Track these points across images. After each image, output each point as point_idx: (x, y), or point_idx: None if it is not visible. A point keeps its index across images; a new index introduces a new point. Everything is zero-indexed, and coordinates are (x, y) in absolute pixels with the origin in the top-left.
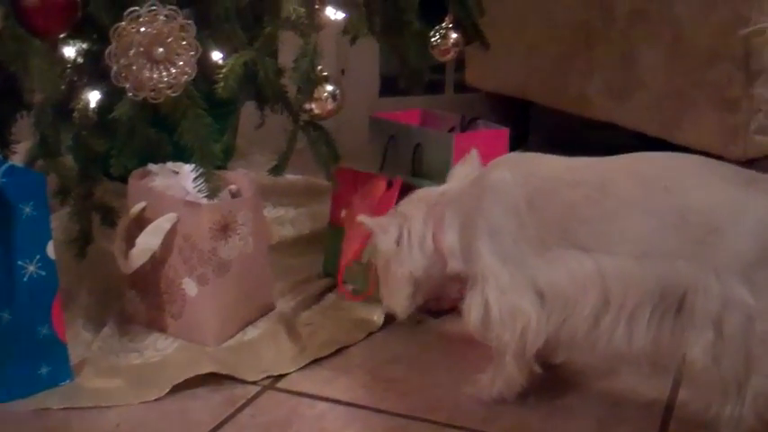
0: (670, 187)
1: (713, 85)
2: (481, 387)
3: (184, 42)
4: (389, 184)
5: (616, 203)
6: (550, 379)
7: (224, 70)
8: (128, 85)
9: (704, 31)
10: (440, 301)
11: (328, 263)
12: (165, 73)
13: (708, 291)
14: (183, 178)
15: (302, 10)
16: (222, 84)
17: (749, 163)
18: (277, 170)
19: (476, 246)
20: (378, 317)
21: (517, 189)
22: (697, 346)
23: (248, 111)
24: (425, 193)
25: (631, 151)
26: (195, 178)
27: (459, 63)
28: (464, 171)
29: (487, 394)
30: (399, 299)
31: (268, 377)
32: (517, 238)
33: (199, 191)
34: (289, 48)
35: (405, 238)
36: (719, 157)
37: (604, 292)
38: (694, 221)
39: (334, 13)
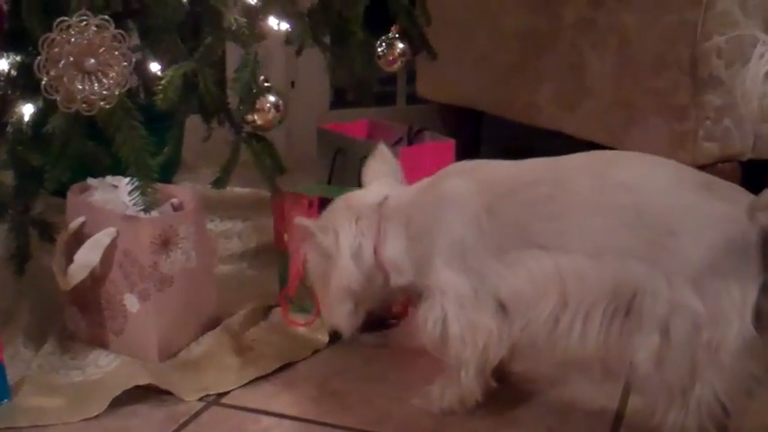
0: (627, 185)
1: (661, 92)
2: (431, 399)
3: (117, 53)
4: (310, 204)
5: (573, 200)
6: (499, 388)
7: (163, 82)
8: (59, 97)
9: (651, 39)
10: (384, 311)
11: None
12: (97, 84)
13: (657, 294)
14: (122, 192)
15: (243, 20)
16: (161, 96)
17: (698, 170)
18: (219, 183)
19: (431, 259)
20: (323, 335)
21: (475, 197)
22: (642, 351)
23: (195, 124)
24: (353, 201)
25: None
26: (131, 191)
27: (411, 75)
28: (379, 168)
29: (437, 406)
30: (340, 315)
31: (209, 394)
32: (477, 248)
33: (135, 204)
34: (235, 58)
35: (334, 248)
36: None
37: (563, 291)
38: (650, 222)
39: (277, 24)
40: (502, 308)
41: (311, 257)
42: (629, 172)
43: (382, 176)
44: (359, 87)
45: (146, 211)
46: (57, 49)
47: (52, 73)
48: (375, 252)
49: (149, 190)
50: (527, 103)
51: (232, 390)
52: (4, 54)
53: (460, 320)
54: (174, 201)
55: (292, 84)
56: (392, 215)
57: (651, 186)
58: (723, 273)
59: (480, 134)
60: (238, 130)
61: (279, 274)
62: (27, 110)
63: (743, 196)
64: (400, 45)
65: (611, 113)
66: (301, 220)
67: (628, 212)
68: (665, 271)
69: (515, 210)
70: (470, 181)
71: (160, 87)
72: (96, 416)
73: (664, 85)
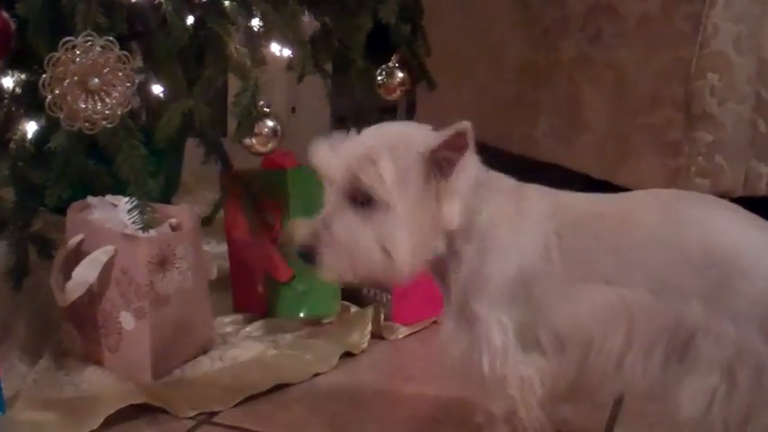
0: (695, 223)
1: (655, 128)
2: None
3: (121, 74)
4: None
5: (640, 234)
6: None
7: (163, 120)
8: (62, 115)
9: (646, 76)
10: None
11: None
12: (100, 104)
13: (721, 336)
14: (121, 211)
15: (244, 49)
16: (160, 133)
17: None
18: (208, 222)
19: (491, 279)
20: (326, 364)
21: (549, 221)
22: (693, 391)
23: (194, 147)
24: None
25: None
26: (130, 210)
27: (411, 104)
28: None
29: None
30: (419, 254)
31: (202, 413)
32: (543, 279)
33: (134, 223)
34: (238, 82)
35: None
36: None
37: (629, 328)
38: (718, 262)
39: (279, 50)
40: (558, 342)
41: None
42: (696, 210)
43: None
44: (359, 115)
45: (144, 229)
46: (62, 68)
47: (57, 91)
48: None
49: (148, 209)
50: (524, 136)
51: (225, 409)
52: (9, 72)
53: (522, 360)
54: (173, 221)
55: (293, 109)
56: (490, 190)
57: (719, 226)
58: None
59: None
60: (228, 168)
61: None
62: (30, 127)
63: None
64: (400, 74)
65: (606, 147)
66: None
67: (695, 250)
68: (731, 313)
69: (582, 240)
70: (547, 202)
71: (160, 125)
72: (89, 431)
73: (658, 121)
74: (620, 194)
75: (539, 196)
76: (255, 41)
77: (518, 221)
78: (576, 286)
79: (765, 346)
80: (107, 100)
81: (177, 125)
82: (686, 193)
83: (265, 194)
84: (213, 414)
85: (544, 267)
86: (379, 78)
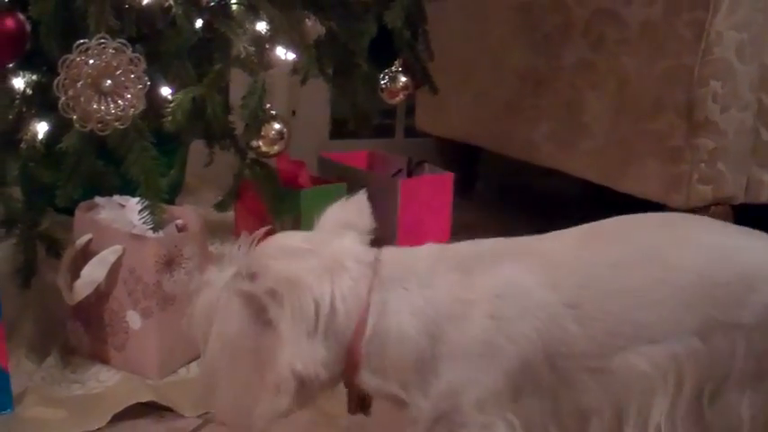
0: (727, 255)
1: (657, 134)
2: None
3: (133, 75)
4: None
5: (677, 276)
6: None
7: (172, 105)
8: (75, 116)
9: (649, 82)
10: None
11: None
12: (112, 105)
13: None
14: (129, 211)
15: (252, 49)
16: (170, 118)
17: (691, 212)
18: (223, 206)
19: (470, 388)
20: None
21: (550, 294)
22: (745, 406)
23: (197, 149)
24: (324, 249)
25: (577, 199)
26: (140, 210)
27: (410, 108)
28: (347, 218)
29: None
30: (268, 412)
31: (208, 411)
32: (556, 361)
33: (144, 223)
34: (239, 86)
35: (295, 316)
36: (662, 206)
37: (679, 382)
38: (761, 288)
39: (284, 53)
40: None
41: (231, 319)
42: (705, 233)
43: (350, 229)
44: (360, 119)
45: (155, 229)
46: (75, 70)
47: (70, 93)
48: (356, 331)
49: (158, 209)
50: (525, 141)
51: None
52: (20, 73)
53: None
54: (179, 222)
55: (293, 113)
56: (394, 283)
57: (746, 249)
58: None
59: (476, 170)
60: (243, 155)
61: None
62: (41, 128)
63: None
64: (403, 78)
65: (608, 153)
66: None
67: (733, 281)
68: None
69: (610, 302)
70: (535, 269)
71: (169, 110)
72: (97, 429)
73: (660, 128)
74: (614, 232)
75: (515, 266)
76: (262, 44)
77: (496, 308)
78: (614, 352)
79: None
80: (119, 101)
81: (187, 111)
82: (689, 219)
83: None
84: None
85: (557, 347)
86: (382, 82)
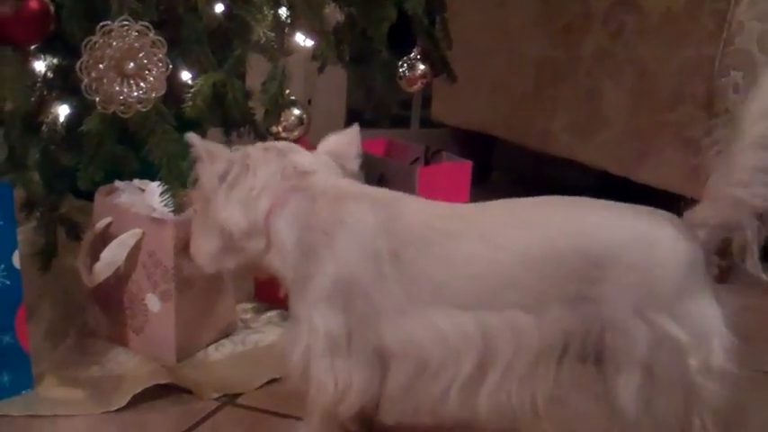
0: (562, 230)
1: (676, 125)
2: None
3: (155, 58)
4: None
5: (502, 255)
6: None
7: (193, 90)
8: (98, 98)
9: (668, 72)
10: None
11: None
12: (135, 87)
13: (629, 332)
14: (149, 196)
15: (272, 34)
16: (191, 103)
17: None
18: None
19: (310, 283)
20: None
21: (380, 237)
22: (625, 393)
23: (214, 137)
24: (288, 154)
25: (595, 190)
26: (161, 193)
27: (426, 99)
28: (339, 144)
29: None
30: (204, 249)
31: (226, 394)
32: (370, 292)
33: (165, 206)
34: (257, 71)
35: (230, 180)
36: (680, 197)
37: (487, 350)
38: (604, 263)
39: (303, 40)
40: (381, 360)
41: (203, 171)
42: (559, 216)
43: (334, 156)
44: (377, 107)
45: (175, 213)
46: (98, 52)
47: (93, 74)
48: (268, 214)
49: (179, 193)
50: (541, 131)
51: (247, 391)
52: (41, 56)
53: (324, 364)
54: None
55: (309, 102)
56: (303, 194)
57: (590, 227)
58: (691, 293)
59: (492, 160)
60: (263, 141)
61: None
62: (62, 111)
63: (676, 219)
64: (421, 66)
65: (626, 144)
66: (192, 137)
67: (573, 258)
68: (632, 307)
69: (430, 264)
70: (379, 215)
71: (190, 96)
72: (116, 410)
73: (679, 119)
74: (474, 207)
75: (361, 201)
76: (281, 30)
77: (335, 231)
78: (418, 308)
79: (679, 330)
80: (142, 84)
81: (208, 97)
82: (540, 200)
83: None
84: (236, 396)
85: (373, 282)
86: (400, 70)
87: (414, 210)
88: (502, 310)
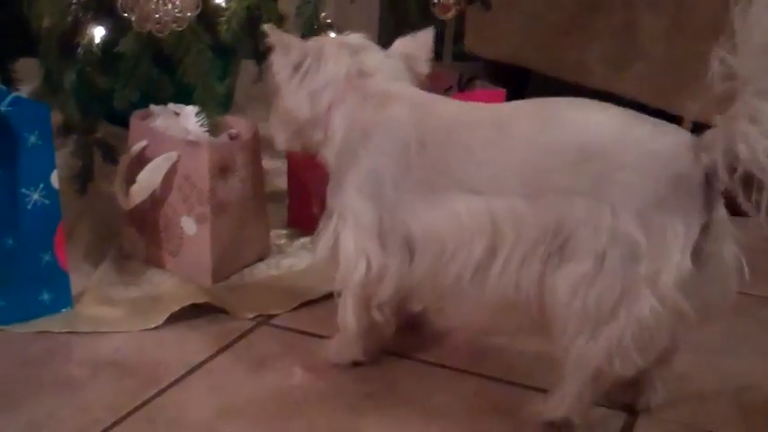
0: (569, 125)
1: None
2: (328, 353)
3: None
4: None
5: (512, 143)
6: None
7: (227, 13)
8: (134, 17)
9: (708, 2)
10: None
11: None
12: (170, 5)
13: (598, 225)
14: (183, 119)
15: None
16: (225, 27)
17: None
18: None
19: (347, 176)
20: None
21: (412, 129)
22: (567, 278)
23: (246, 68)
24: (359, 52)
25: None
26: (197, 113)
27: (458, 34)
28: (411, 46)
29: (334, 361)
30: (277, 132)
31: (261, 315)
32: (399, 182)
33: (201, 125)
34: None
35: (303, 71)
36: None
37: (496, 234)
38: (595, 157)
39: None
40: (409, 246)
41: (277, 61)
42: (572, 113)
43: (405, 58)
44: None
45: (211, 133)
46: None
47: None
48: (329, 109)
49: (214, 112)
50: (576, 63)
51: (282, 312)
52: None
53: (355, 243)
54: (232, 131)
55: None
56: (359, 94)
57: (595, 124)
58: (668, 208)
59: (525, 94)
60: None
61: None
62: (98, 32)
63: (688, 137)
64: None
65: (663, 76)
66: (272, 29)
67: (570, 150)
68: (610, 203)
69: (449, 151)
70: (414, 112)
71: (224, 19)
72: (154, 327)
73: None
74: (500, 104)
75: (402, 103)
76: None
77: (373, 132)
78: (438, 194)
79: (641, 234)
80: (177, 2)
81: (242, 20)
82: (563, 99)
83: None
84: (271, 317)
85: (402, 173)
86: None
87: (447, 107)
88: (507, 197)
